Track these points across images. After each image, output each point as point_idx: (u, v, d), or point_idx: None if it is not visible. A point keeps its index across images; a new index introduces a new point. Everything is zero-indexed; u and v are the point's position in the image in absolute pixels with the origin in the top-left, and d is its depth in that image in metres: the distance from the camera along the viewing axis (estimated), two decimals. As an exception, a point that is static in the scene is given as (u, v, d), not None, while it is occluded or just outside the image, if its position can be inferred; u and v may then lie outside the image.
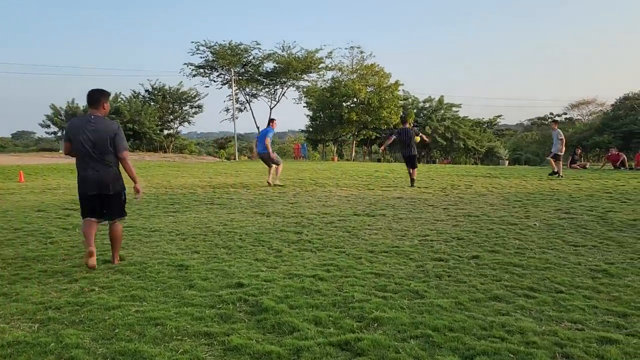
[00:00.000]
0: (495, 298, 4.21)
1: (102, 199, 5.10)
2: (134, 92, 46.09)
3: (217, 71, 42.31)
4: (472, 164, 41.98)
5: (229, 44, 40.36)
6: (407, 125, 13.29)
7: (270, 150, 13.06)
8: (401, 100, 42.12)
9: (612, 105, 59.24)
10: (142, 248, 6.16)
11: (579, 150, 23.51)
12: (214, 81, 43.25)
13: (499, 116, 56.46)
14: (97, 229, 5.33)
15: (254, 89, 44.08)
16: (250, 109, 48.29)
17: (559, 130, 15.61)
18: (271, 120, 13.66)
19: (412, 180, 12.88)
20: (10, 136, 77.13)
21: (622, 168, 20.32)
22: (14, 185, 14.59)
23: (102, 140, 4.97)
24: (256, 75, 42.69)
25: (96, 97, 5.00)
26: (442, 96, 47.77)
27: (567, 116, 66.78)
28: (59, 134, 42.47)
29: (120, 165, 5.21)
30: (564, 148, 15.38)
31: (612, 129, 53.07)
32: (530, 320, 3.69)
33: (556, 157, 15.27)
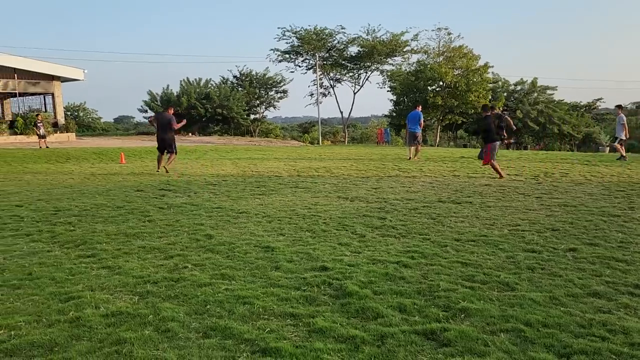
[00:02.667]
0: (595, 294, 3.92)
1: (165, 144, 13.03)
2: (223, 78, 47.81)
3: (302, 56, 42.80)
4: (567, 151, 39.41)
5: (314, 29, 40.62)
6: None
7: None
8: (490, 83, 40.23)
9: None
10: (230, 229, 6.41)
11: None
12: (299, 66, 43.84)
13: (599, 99, 52.32)
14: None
15: (338, 73, 44.14)
16: (334, 93, 48.52)
17: (623, 115, 16.36)
18: (418, 105, 17.74)
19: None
20: (113, 120, 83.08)
21: None
22: (116, 166, 15.73)
23: (167, 123, 12.92)
24: (340, 60, 42.70)
25: (166, 107, 14.31)
26: (535, 78, 44.99)
27: (680, 98, 60.53)
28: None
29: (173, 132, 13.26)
30: (626, 133, 16.11)
31: None
32: (635, 320, 3.41)
33: (621, 142, 16.12)
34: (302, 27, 40.77)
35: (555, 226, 6.31)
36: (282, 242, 5.69)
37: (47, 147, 21.68)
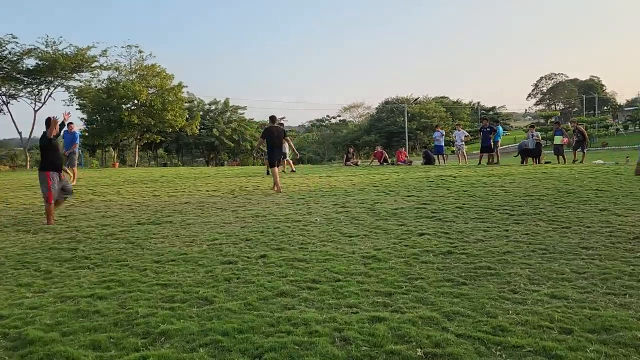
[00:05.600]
0: (282, 294, 4.37)
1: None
2: None
3: (-38, 66, 35.57)
4: (262, 165, 43.39)
5: (-23, 35, 34.26)
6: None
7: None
8: (186, 102, 41.21)
9: (376, 108, 68.15)
10: None
11: (352, 149, 26.16)
12: (-43, 78, 36.24)
13: (282, 118, 59.72)
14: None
15: (12, 88, 38.21)
16: (9, 111, 41.70)
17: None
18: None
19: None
20: None
21: (385, 164, 23.19)
22: None
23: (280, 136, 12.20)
24: (14, 73, 37.06)
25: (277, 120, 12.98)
26: (227, 98, 48.33)
27: (342, 118, 73.97)
28: None
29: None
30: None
31: (377, 129, 61.02)
32: (313, 311, 3.93)
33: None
34: (-42, 32, 33.87)
35: (249, 236, 6.81)
36: (-63, 295, 4.56)
37: None
